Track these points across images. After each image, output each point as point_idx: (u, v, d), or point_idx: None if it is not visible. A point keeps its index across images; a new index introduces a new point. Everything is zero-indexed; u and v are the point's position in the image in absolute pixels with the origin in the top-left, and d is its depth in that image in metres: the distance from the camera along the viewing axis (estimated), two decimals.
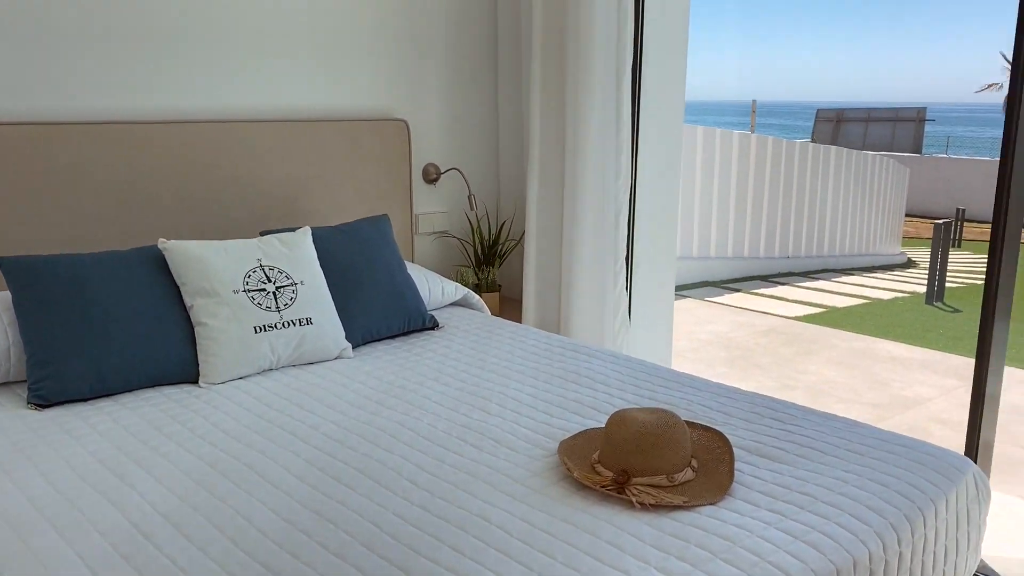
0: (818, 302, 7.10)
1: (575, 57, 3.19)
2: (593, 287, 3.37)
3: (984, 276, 3.21)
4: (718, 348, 5.51)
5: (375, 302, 2.55)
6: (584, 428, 1.94)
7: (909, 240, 17.23)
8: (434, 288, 2.99)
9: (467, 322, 2.91)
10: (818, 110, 30.37)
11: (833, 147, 10.29)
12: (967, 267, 11.46)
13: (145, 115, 2.69)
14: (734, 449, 1.83)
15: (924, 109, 29.55)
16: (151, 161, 2.66)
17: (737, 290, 7.60)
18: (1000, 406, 3.63)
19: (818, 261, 9.49)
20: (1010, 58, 2.87)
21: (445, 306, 3.08)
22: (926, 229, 19.69)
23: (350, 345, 2.43)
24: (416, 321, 2.66)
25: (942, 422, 4.21)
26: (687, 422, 1.92)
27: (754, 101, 32.27)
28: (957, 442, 3.87)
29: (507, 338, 2.72)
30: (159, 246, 2.26)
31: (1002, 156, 3.06)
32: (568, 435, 1.90)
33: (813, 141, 28.14)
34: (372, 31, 3.22)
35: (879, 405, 4.45)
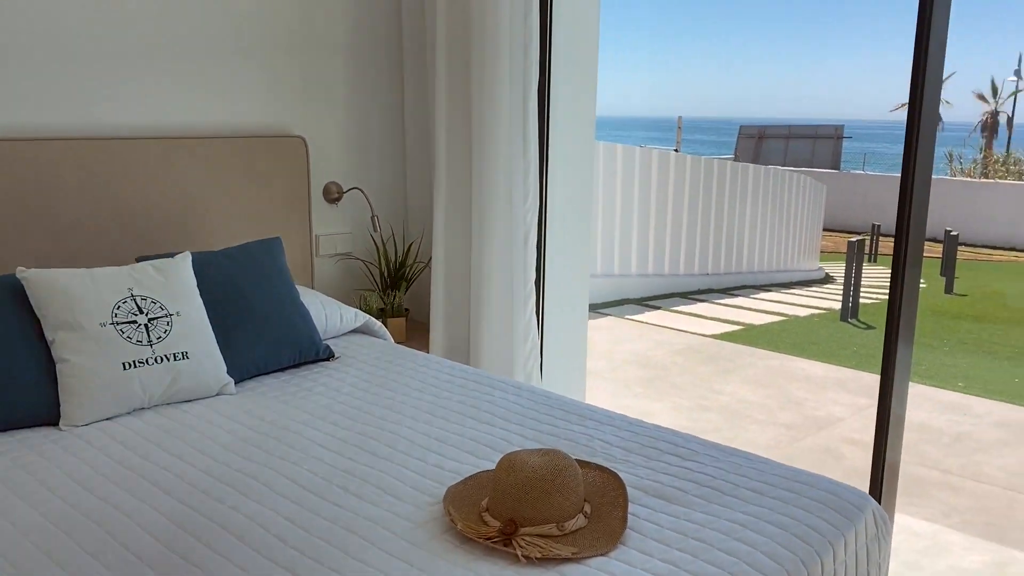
0: (736, 319, 7.16)
1: (480, 72, 3.11)
2: (503, 311, 3.27)
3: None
4: (636, 368, 5.48)
5: (263, 333, 2.40)
6: (477, 471, 1.83)
7: (828, 255, 17.69)
8: (331, 315, 2.84)
9: (367, 352, 2.78)
10: (741, 127, 31.10)
11: (752, 165, 10.48)
12: (882, 282, 11.79)
13: (4, 132, 2.49)
14: (630, 490, 1.74)
15: (842, 127, 30.55)
16: (12, 183, 2.46)
17: (657, 307, 7.62)
18: (909, 425, 3.67)
19: (737, 278, 9.62)
20: None
21: (344, 334, 2.94)
22: (844, 243, 20.27)
23: (232, 380, 2.27)
24: (309, 352, 2.52)
25: (853, 442, 4.24)
26: (582, 462, 1.83)
27: (680, 118, 32.89)
28: (867, 463, 3.90)
29: (407, 369, 2.60)
30: (17, 275, 2.07)
31: (902, 185, 3.08)
32: (459, 479, 1.79)
33: (736, 157, 28.82)
34: (265, 43, 3.07)
35: (792, 426, 4.46)
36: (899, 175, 3.13)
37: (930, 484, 3.74)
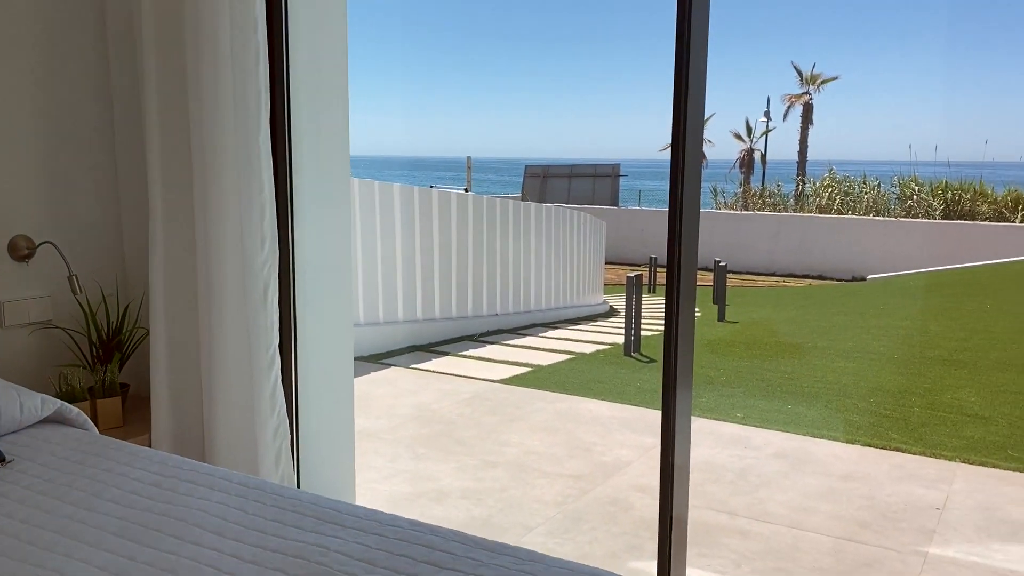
0: (525, 361, 6.98)
1: (198, 95, 2.63)
2: (241, 382, 2.77)
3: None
4: (419, 424, 5.09)
5: None
6: None
7: (611, 287, 18.33)
8: (8, 406, 2.23)
9: (56, 448, 2.20)
10: (526, 166, 31.94)
11: (534, 204, 10.52)
12: (660, 313, 12.22)
13: None
14: None
15: (618, 165, 32.19)
16: None
17: (445, 353, 7.30)
18: (693, 464, 3.52)
19: (526, 317, 9.54)
20: None
21: (30, 427, 2.33)
22: (625, 276, 21.17)
23: None
24: None
25: (642, 489, 4.07)
26: None
27: (469, 158, 33.29)
28: (656, 513, 3.73)
29: (102, 471, 2.05)
30: None
31: (671, 225, 2.93)
32: None
33: (523, 196, 29.50)
34: None
35: (581, 476, 4.24)
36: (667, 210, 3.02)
37: (719, 530, 3.62)
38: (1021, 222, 22.38)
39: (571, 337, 8.80)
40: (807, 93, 36.15)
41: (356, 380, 6.15)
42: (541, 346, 7.96)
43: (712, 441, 4.85)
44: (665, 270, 3.00)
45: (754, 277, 21.84)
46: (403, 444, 4.71)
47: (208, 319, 2.73)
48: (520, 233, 9.49)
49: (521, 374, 6.47)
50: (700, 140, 2.87)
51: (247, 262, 2.72)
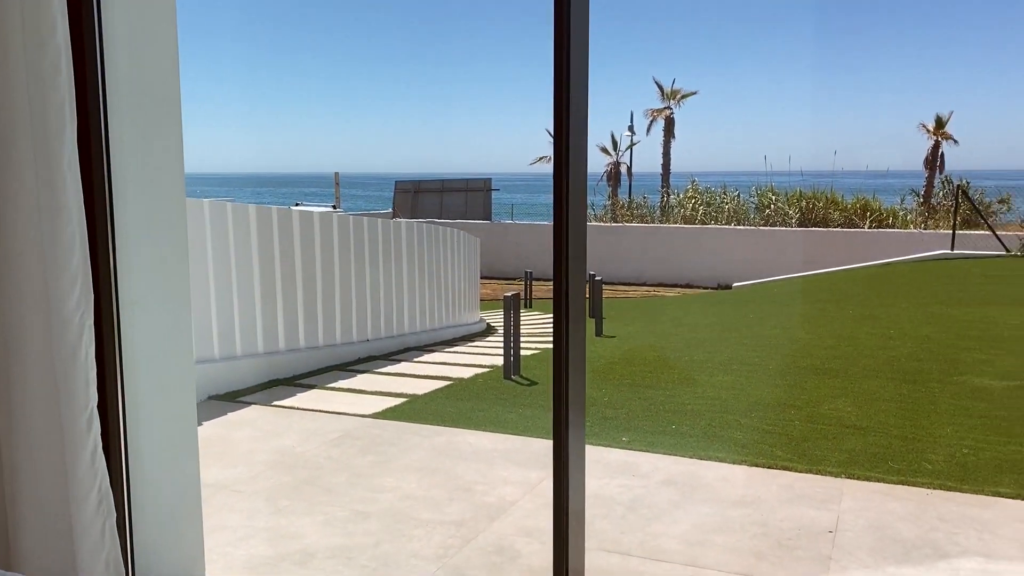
0: (399, 390, 6.57)
1: None
2: (52, 453, 2.29)
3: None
4: (282, 471, 4.61)
5: None
6: None
7: (488, 302, 18.11)
8: None
9: None
10: (396, 182, 31.43)
11: (404, 221, 10.13)
12: (540, 328, 12.06)
13: None
14: None
15: (490, 179, 32.16)
16: None
17: (312, 386, 6.80)
18: (584, 497, 3.24)
19: (400, 340, 9.12)
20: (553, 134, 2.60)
21: None
22: (502, 290, 21.03)
23: None
24: None
25: (529, 533, 3.76)
26: None
27: (337, 173, 32.45)
28: (545, 559, 3.43)
29: None
30: None
31: (556, 246, 2.67)
32: None
33: (394, 212, 28.97)
34: None
35: (463, 522, 3.89)
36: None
37: (615, 573, 3.35)
38: (869, 228, 23.75)
39: (448, 361, 8.45)
40: (668, 107, 37.36)
41: (210, 423, 5.60)
42: (417, 372, 7.57)
43: (600, 470, 4.61)
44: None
45: (626, 287, 22.19)
46: (263, 496, 4.23)
47: (6, 383, 2.24)
48: (390, 253, 9.07)
49: (395, 406, 6.06)
50: (584, 157, 2.62)
51: (54, 310, 2.25)
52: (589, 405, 6.16)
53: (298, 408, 6.02)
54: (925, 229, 22.57)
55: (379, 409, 5.94)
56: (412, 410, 5.97)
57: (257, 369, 6.82)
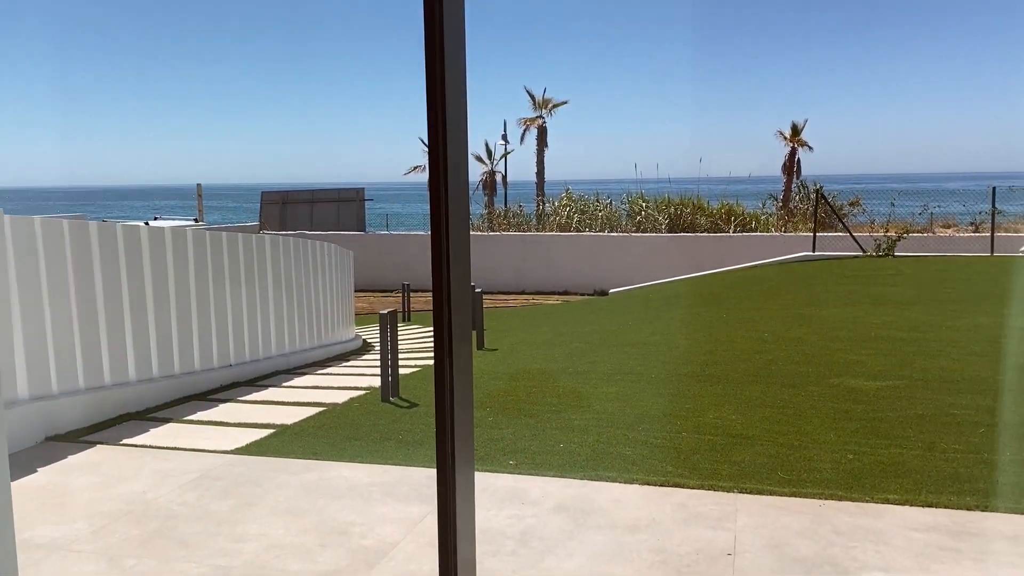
0: (265, 420, 6.04)
1: None
2: None
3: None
4: (130, 522, 4.06)
5: None
6: None
7: (365, 316, 17.51)
8: None
9: None
10: (263, 193, 30.23)
11: (270, 235, 9.53)
12: (420, 343, 11.65)
13: None
14: None
15: (363, 189, 31.42)
16: None
17: (168, 420, 6.17)
18: (473, 538, 2.93)
19: (267, 364, 8.52)
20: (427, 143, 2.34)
21: None
22: (379, 303, 20.45)
23: None
24: None
25: None
26: None
27: (199, 185, 30.87)
28: None
29: None
30: None
31: (435, 259, 2.35)
32: None
33: (262, 224, 27.80)
34: None
35: (338, 571, 3.49)
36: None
37: None
38: (735, 232, 24.59)
39: (321, 384, 7.93)
40: (540, 117, 37.68)
41: (46, 470, 4.93)
42: (285, 399, 7.04)
43: (487, 500, 4.30)
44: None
45: (505, 296, 22.06)
46: (107, 555, 3.68)
47: None
48: (253, 269, 8.47)
49: (261, 439, 5.54)
50: (464, 167, 2.31)
51: None
52: (475, 425, 5.84)
53: (151, 446, 5.41)
54: (786, 232, 23.55)
55: (242, 443, 5.42)
56: (280, 443, 5.48)
57: (104, 403, 6.14)
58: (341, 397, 6.95)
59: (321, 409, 6.41)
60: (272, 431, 5.73)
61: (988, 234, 18.41)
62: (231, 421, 6.11)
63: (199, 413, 6.45)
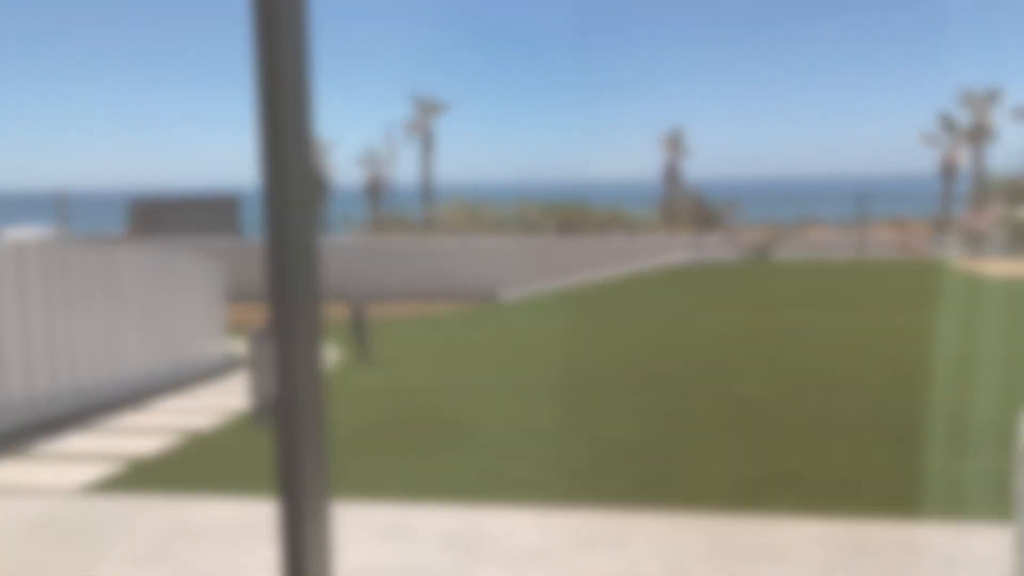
0: (119, 452, 5.44)
1: None
2: None
3: None
4: None
5: None
6: None
7: (238, 326, 16.63)
8: None
9: None
10: (132, 199, 28.63)
11: (127, 250, 8.80)
12: None
13: None
14: None
15: (236, 194, 30.17)
16: None
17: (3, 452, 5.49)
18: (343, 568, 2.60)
19: (125, 387, 7.81)
20: None
21: None
22: (256, 310, 19.52)
23: None
24: None
25: None
26: None
27: (61, 190, 28.88)
28: None
29: None
30: None
31: (274, 266, 2.04)
32: None
33: (131, 232, 26.27)
34: None
35: None
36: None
37: None
38: (619, 235, 24.92)
39: (185, 408, 7.30)
40: (426, 120, 37.27)
41: None
42: (143, 426, 6.42)
43: (365, 535, 3.93)
44: (275, 322, 2.16)
45: (393, 303, 21.54)
46: None
47: None
48: (107, 284, 7.75)
49: (113, 475, 4.95)
50: (306, 170, 2.00)
51: None
52: (353, 448, 5.40)
53: None
54: (669, 235, 24.05)
55: (91, 479, 4.83)
56: (136, 477, 4.92)
57: None
58: (206, 421, 6.39)
59: (183, 436, 5.85)
60: (126, 464, 5.14)
61: (857, 237, 19.29)
62: (79, 452, 5.48)
63: (42, 445, 5.75)
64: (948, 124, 31.11)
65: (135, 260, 8.60)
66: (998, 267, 13.34)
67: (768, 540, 3.85)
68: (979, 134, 30.51)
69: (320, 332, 2.23)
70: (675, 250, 20.11)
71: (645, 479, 4.69)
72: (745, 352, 8.29)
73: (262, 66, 1.97)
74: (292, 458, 2.20)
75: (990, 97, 30.53)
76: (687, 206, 27.13)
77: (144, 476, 4.96)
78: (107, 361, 7.71)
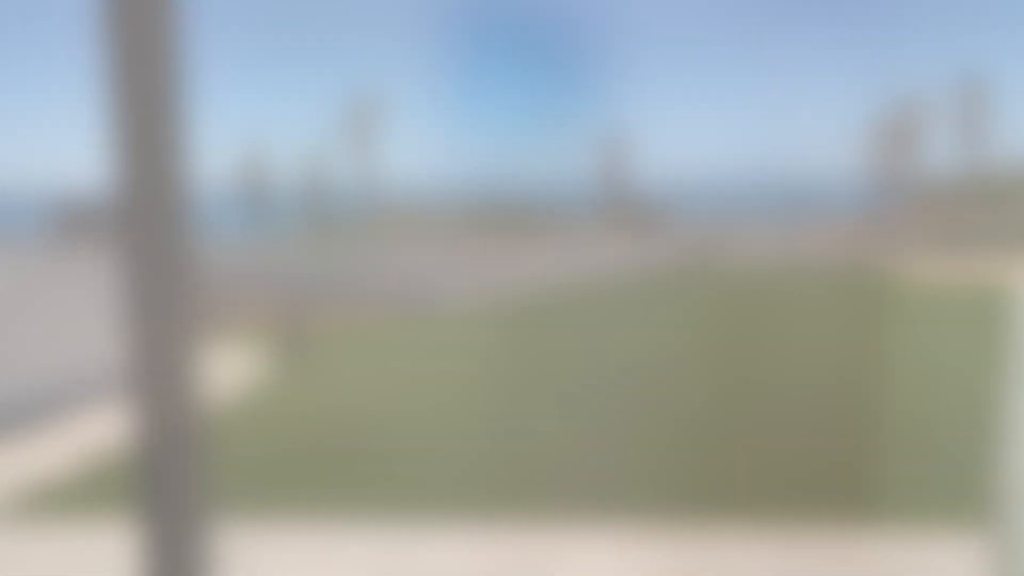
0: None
1: None
2: None
3: None
4: None
5: None
6: None
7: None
8: None
9: None
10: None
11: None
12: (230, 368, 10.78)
13: None
14: None
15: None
16: None
17: None
18: None
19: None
20: None
21: None
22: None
23: None
24: None
25: None
26: None
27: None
28: None
29: None
30: None
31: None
32: None
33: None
34: None
35: None
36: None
37: None
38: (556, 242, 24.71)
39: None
40: (365, 120, 36.71)
41: None
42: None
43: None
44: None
45: (326, 310, 21.13)
46: None
47: None
48: None
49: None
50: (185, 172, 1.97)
51: None
52: (263, 486, 5.12)
53: None
54: (603, 242, 23.90)
55: None
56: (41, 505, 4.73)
57: None
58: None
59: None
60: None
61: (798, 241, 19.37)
62: None
63: None
64: (888, 124, 31.71)
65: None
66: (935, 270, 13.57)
67: None
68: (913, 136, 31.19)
69: (190, 346, 2.14)
70: (606, 258, 20.00)
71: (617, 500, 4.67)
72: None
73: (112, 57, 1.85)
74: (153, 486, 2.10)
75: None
76: (627, 211, 27.10)
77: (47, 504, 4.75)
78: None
